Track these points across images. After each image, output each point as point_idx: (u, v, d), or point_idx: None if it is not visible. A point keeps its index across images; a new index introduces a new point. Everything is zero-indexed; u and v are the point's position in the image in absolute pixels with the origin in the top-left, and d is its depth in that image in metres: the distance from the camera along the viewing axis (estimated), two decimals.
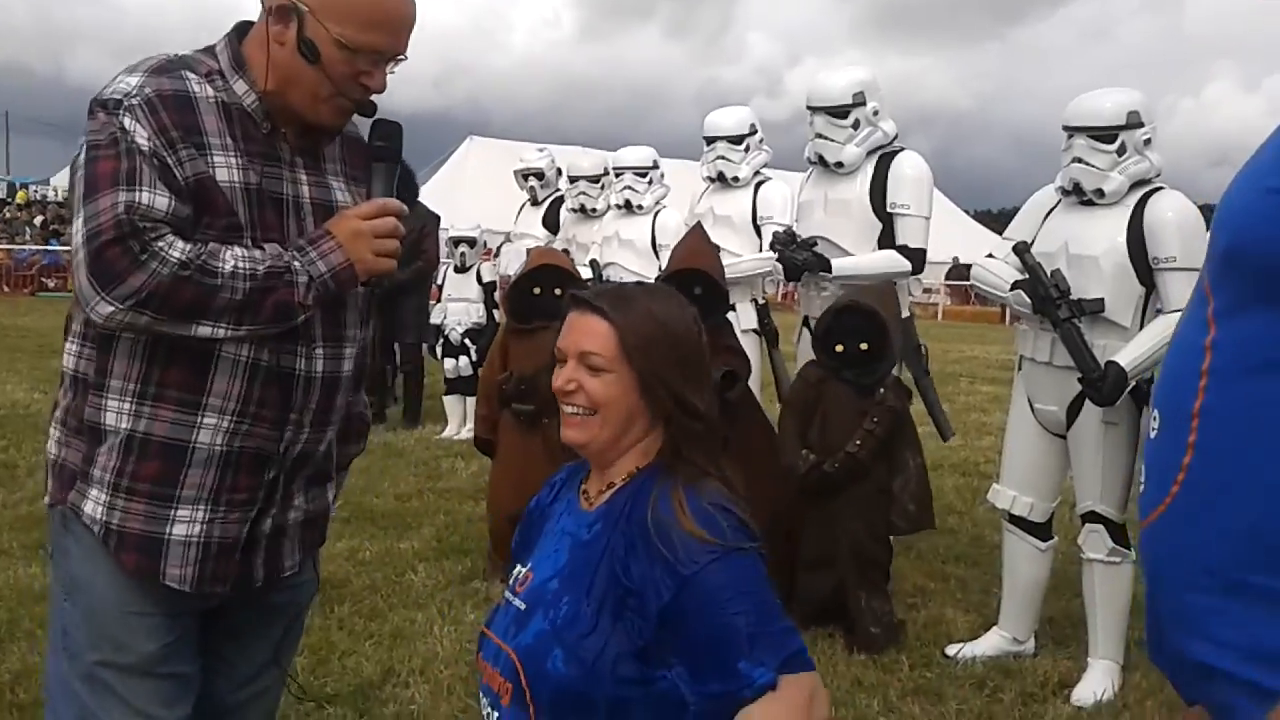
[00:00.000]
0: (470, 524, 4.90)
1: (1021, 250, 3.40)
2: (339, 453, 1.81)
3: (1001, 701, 3.24)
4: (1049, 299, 3.29)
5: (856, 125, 4.08)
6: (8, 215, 23.85)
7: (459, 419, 7.12)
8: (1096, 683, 3.32)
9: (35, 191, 27.86)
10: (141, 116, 1.50)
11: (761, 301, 4.84)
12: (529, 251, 5.53)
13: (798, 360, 4.39)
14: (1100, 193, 3.28)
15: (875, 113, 4.10)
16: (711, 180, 4.86)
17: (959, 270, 22.69)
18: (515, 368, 4.18)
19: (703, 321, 1.53)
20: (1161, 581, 1.03)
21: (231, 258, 1.52)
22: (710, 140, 4.80)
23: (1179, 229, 3.20)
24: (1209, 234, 1.04)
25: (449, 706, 3.03)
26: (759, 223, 4.71)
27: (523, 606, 1.46)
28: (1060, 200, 3.45)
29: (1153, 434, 1.06)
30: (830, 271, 4.06)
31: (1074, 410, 3.38)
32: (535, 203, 6.79)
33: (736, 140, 4.75)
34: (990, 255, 3.67)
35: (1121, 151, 3.26)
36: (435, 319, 7.22)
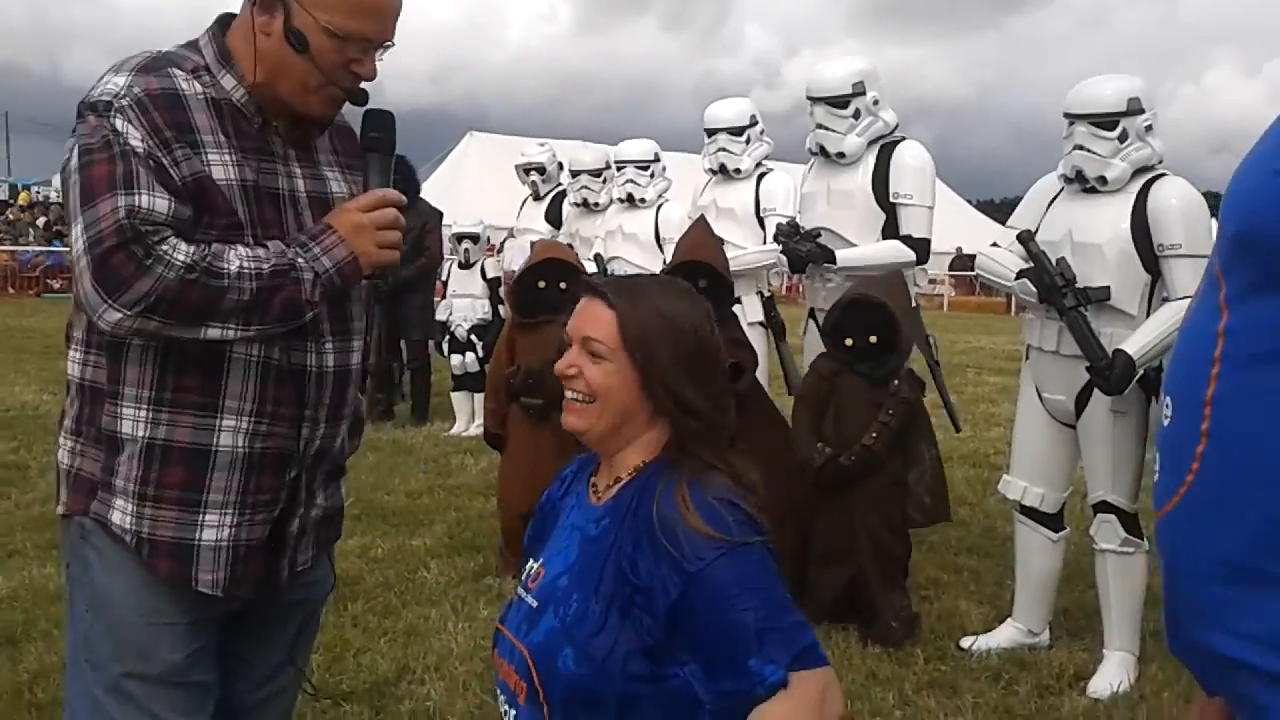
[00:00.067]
0: (481, 520, 4.92)
1: (1026, 239, 3.40)
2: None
3: (1017, 694, 3.23)
4: (1054, 287, 3.29)
5: (857, 115, 4.08)
6: (11, 217, 23.84)
7: (467, 415, 7.13)
8: (1112, 674, 3.31)
9: (38, 192, 27.78)
10: (133, 117, 1.48)
11: (767, 294, 4.84)
12: (533, 245, 5.55)
13: (804, 353, 4.39)
14: (1103, 180, 3.28)
15: (875, 102, 4.09)
16: (713, 172, 4.86)
17: (963, 261, 22.63)
18: (522, 362, 4.19)
19: None
20: (1179, 573, 1.02)
21: (236, 258, 1.51)
22: (711, 132, 4.79)
23: (1183, 215, 3.19)
24: (1218, 219, 1.03)
25: (464, 703, 3.04)
26: (762, 214, 4.71)
27: (534, 604, 1.45)
28: (1063, 188, 3.44)
29: (1165, 422, 1.05)
30: (834, 263, 4.05)
31: (1083, 399, 3.37)
32: (537, 198, 6.79)
33: (737, 132, 4.75)
34: (995, 244, 3.66)
35: (1123, 138, 3.26)
36: (441, 315, 7.22)
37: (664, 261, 4.93)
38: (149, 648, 1.60)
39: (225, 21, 1.65)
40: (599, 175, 5.89)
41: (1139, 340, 3.17)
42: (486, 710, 2.97)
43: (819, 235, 4.10)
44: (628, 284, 1.51)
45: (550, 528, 1.57)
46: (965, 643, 3.59)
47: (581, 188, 5.93)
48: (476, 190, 18.81)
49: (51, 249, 20.68)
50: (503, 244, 7.52)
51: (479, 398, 6.52)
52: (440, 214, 7.56)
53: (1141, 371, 3.20)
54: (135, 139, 1.47)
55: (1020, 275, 3.40)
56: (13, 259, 20.45)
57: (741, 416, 1.55)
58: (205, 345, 1.53)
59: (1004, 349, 13.32)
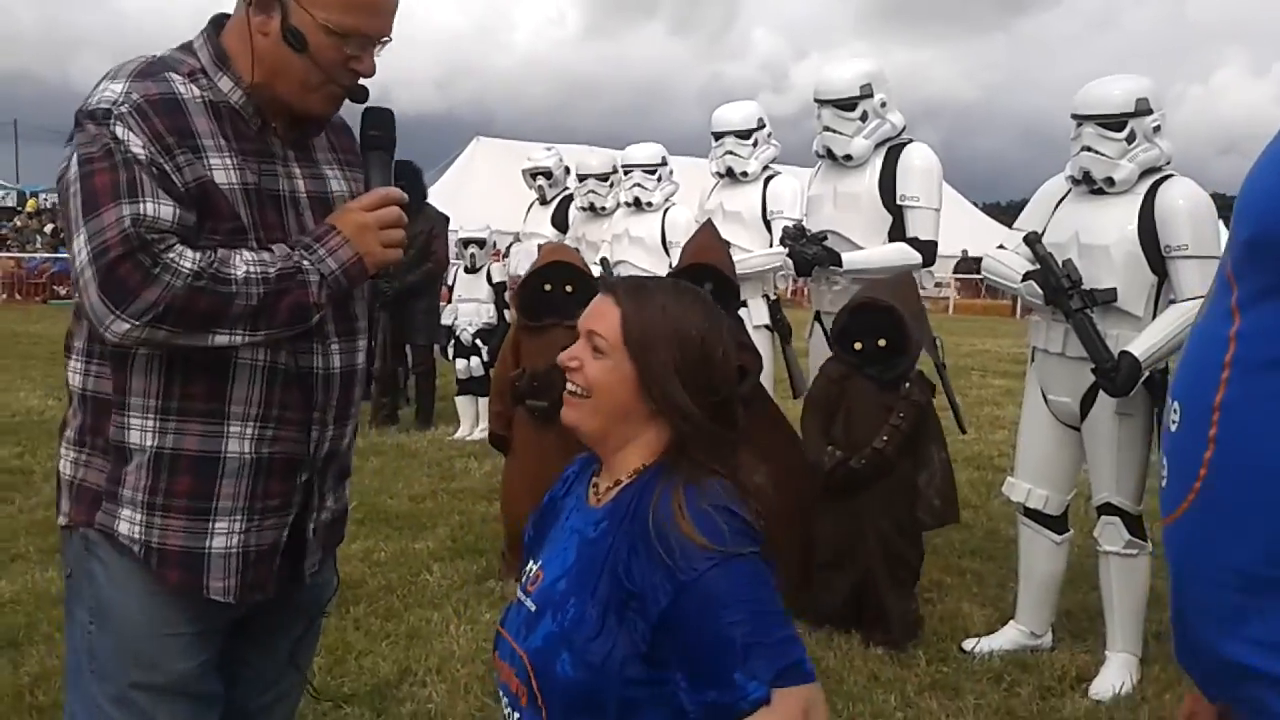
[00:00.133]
0: (484, 524, 4.91)
1: (1032, 240, 3.38)
2: None
3: (1019, 696, 3.23)
4: (1061, 289, 3.27)
5: (864, 117, 4.06)
6: (18, 224, 23.92)
7: (471, 420, 7.13)
8: (1114, 676, 3.30)
9: (45, 199, 27.87)
10: (133, 124, 1.46)
11: (773, 297, 4.83)
12: (540, 249, 5.54)
13: (810, 355, 4.37)
14: (1110, 181, 3.26)
15: (883, 104, 4.08)
16: (720, 175, 4.86)
17: (968, 263, 22.59)
18: (527, 364, 4.18)
19: None
20: (1188, 580, 1.00)
21: (242, 263, 1.50)
22: (718, 135, 4.79)
23: (1190, 216, 3.18)
24: (1231, 221, 1.01)
25: (466, 705, 3.03)
26: (769, 217, 4.71)
27: (533, 608, 1.44)
28: (1070, 190, 3.43)
29: (1173, 427, 1.03)
30: (841, 266, 4.04)
31: (1088, 401, 3.35)
32: (543, 202, 6.78)
33: (744, 135, 4.74)
34: (1001, 246, 3.65)
35: (1131, 139, 3.24)
36: (446, 320, 7.22)
37: (671, 265, 4.92)
38: (157, 658, 1.59)
39: (219, 22, 1.63)
40: (606, 180, 5.88)
41: (1145, 342, 3.15)
42: (488, 713, 2.96)
43: (825, 238, 4.09)
44: (637, 284, 1.49)
45: (550, 527, 1.56)
46: (968, 645, 3.58)
47: (588, 192, 5.92)
48: (483, 195, 18.83)
49: (58, 255, 20.71)
50: (509, 249, 7.51)
51: (483, 402, 6.52)
52: (446, 219, 7.56)
53: (1147, 373, 3.19)
54: (137, 146, 1.46)
55: (1027, 277, 3.39)
56: (19, 265, 20.51)
57: (744, 419, 1.54)
58: (211, 351, 1.52)
59: (1009, 352, 13.28)
